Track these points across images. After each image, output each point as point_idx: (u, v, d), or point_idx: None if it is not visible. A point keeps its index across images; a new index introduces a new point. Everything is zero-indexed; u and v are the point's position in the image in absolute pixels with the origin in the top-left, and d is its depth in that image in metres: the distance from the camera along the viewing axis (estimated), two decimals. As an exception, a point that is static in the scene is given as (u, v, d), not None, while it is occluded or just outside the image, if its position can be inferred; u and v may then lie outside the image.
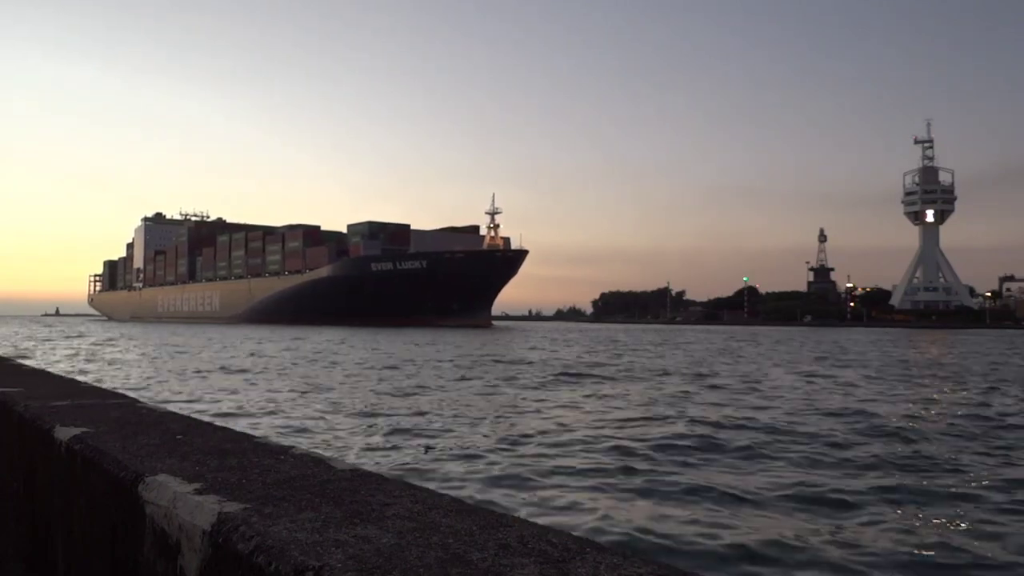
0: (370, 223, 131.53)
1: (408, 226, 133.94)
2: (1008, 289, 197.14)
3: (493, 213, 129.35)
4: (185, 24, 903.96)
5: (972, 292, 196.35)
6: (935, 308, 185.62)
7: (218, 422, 3.79)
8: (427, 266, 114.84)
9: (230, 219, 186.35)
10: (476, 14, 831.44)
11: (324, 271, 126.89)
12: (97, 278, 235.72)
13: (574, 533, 1.51)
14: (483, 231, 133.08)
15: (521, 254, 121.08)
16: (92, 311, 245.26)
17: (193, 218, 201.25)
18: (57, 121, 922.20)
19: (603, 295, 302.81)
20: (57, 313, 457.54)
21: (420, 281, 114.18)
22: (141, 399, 4.09)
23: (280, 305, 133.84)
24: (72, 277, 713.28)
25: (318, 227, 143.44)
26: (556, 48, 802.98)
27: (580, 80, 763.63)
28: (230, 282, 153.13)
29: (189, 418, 3.33)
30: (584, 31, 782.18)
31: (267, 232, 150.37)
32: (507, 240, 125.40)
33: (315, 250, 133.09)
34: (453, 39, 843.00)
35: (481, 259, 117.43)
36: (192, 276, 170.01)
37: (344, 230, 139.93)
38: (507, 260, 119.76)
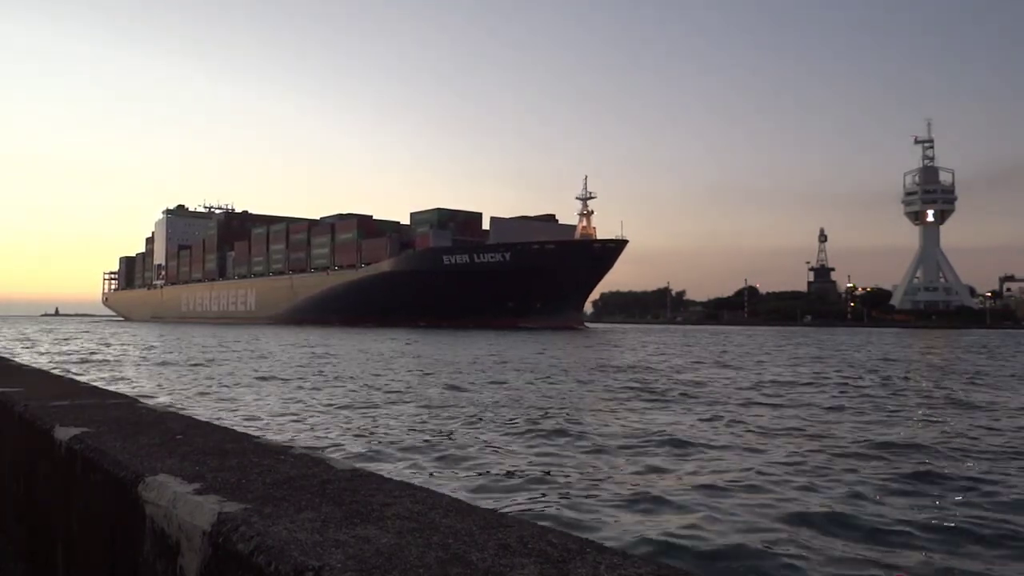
0: (439, 210, 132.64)
1: (480, 214, 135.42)
2: (1008, 289, 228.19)
3: (586, 199, 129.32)
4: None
5: (972, 292, 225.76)
6: (935, 308, 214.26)
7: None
8: (511, 259, 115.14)
9: (255, 212, 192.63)
10: (470, 15, 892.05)
11: (384, 265, 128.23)
12: (112, 276, 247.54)
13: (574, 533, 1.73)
14: (561, 219, 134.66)
15: (621, 244, 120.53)
16: (105, 311, 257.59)
17: (218, 211, 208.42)
18: (59, 111, 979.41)
19: (603, 295, 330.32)
20: (56, 313, 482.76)
21: (501, 276, 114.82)
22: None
23: (329, 304, 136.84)
24: (82, 276, 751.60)
25: (371, 217, 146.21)
26: (553, 46, 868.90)
27: (579, 79, 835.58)
28: (268, 279, 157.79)
29: (189, 418, 3.78)
30: (581, 30, 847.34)
31: (312, 223, 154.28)
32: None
33: (372, 242, 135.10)
34: (455, 41, 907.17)
35: (576, 250, 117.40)
36: (222, 273, 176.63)
37: (393, 219, 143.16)
38: (606, 251, 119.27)
